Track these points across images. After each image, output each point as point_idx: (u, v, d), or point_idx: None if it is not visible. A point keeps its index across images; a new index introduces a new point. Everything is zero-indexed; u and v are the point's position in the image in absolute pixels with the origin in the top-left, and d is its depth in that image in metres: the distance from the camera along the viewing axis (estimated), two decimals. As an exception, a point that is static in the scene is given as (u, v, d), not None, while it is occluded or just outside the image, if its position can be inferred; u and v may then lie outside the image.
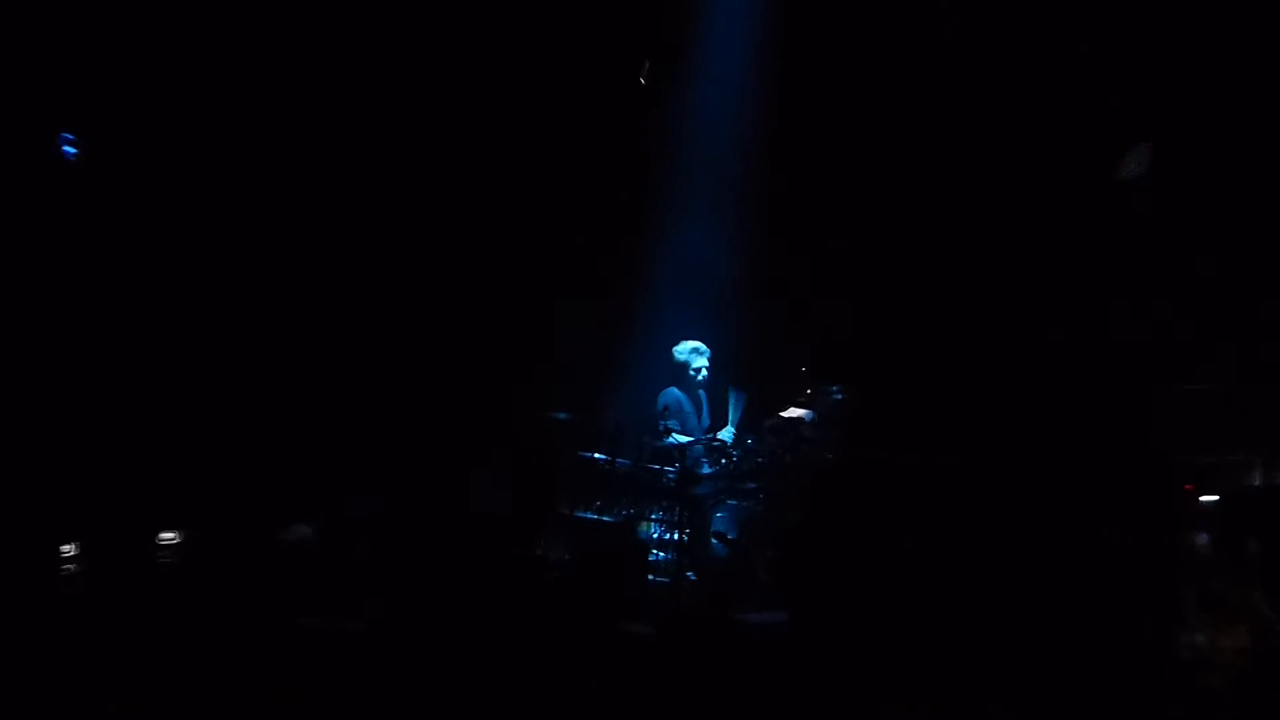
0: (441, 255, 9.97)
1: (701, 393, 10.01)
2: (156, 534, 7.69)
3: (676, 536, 9.07)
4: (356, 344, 9.66)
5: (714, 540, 9.16)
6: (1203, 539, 7.05)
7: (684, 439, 9.42)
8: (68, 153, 7.78)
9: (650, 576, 8.73)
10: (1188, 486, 7.74)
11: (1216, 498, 7.62)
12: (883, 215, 9.70)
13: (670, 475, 9.32)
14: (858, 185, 9.85)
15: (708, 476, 9.33)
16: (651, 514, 9.30)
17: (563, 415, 9.28)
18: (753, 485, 9.29)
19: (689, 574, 9.00)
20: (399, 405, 9.75)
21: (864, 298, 9.74)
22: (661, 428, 9.29)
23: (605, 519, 9.17)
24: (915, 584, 7.38)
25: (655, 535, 9.27)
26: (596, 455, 9.23)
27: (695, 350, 9.77)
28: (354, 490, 8.92)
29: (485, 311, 10.12)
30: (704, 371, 9.79)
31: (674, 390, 9.74)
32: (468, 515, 9.07)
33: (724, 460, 9.33)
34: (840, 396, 9.25)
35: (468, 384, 10.03)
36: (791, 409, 9.33)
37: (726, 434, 9.58)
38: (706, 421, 9.92)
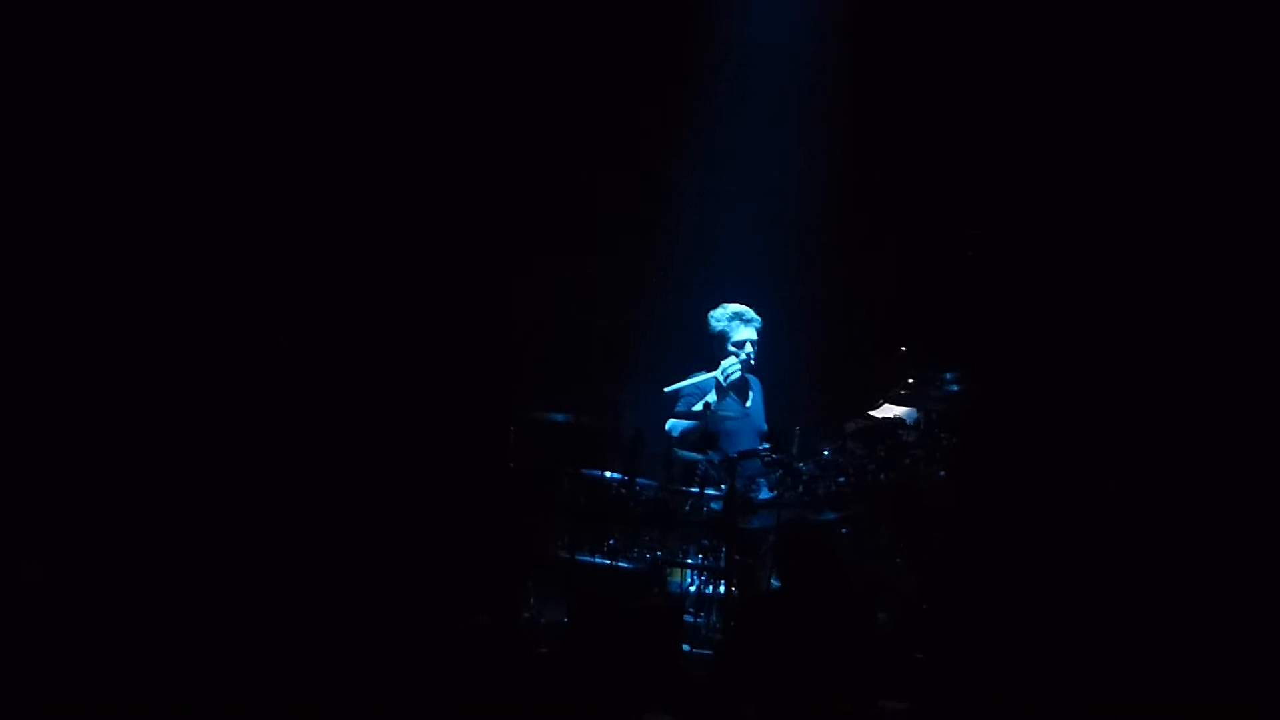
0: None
1: (755, 381, 8.60)
2: None
3: (723, 590, 7.82)
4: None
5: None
6: None
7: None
8: None
9: (686, 647, 7.48)
10: None
11: None
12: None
13: (713, 502, 7.97)
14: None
15: (767, 504, 7.98)
16: (687, 557, 7.99)
17: (560, 417, 8.11)
18: (831, 516, 7.91)
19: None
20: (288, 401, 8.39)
21: (993, 243, 8.34)
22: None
23: (621, 565, 7.94)
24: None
25: (692, 588, 7.99)
26: (608, 474, 8.02)
27: (736, 316, 8.36)
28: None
29: (442, 272, 8.86)
30: (748, 347, 8.37)
31: (705, 378, 8.37)
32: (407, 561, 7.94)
33: (790, 480, 7.93)
34: (958, 388, 7.85)
35: (416, 374, 8.73)
36: (885, 406, 8.03)
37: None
38: (761, 424, 8.51)
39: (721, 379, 8.13)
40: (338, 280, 8.68)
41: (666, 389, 8.24)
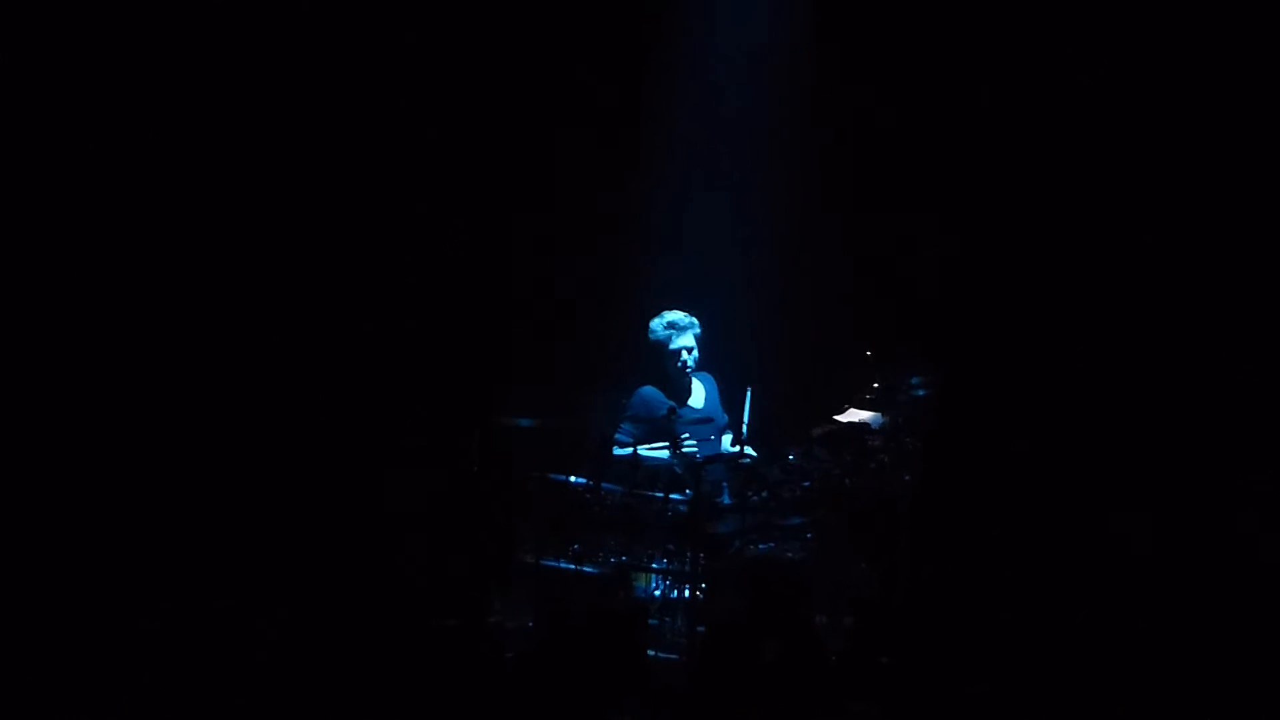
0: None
1: (704, 378, 8.48)
2: None
3: (688, 594, 7.67)
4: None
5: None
6: None
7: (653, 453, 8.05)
8: None
9: (651, 651, 7.37)
10: None
11: None
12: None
13: (678, 506, 7.82)
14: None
15: (731, 509, 7.86)
16: (652, 562, 7.80)
17: (525, 422, 7.88)
18: (797, 521, 7.78)
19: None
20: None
21: (961, 242, 8.25)
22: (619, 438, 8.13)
23: (586, 569, 7.74)
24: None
25: (657, 592, 7.81)
26: (573, 479, 7.83)
27: (671, 325, 8.26)
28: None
29: (409, 277, 8.69)
30: (685, 354, 8.28)
31: (650, 390, 8.31)
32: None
33: (755, 485, 7.82)
34: (924, 391, 7.70)
35: (382, 377, 8.57)
36: (851, 411, 7.81)
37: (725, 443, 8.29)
38: (721, 418, 8.40)
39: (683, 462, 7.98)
40: (308, 283, 8.53)
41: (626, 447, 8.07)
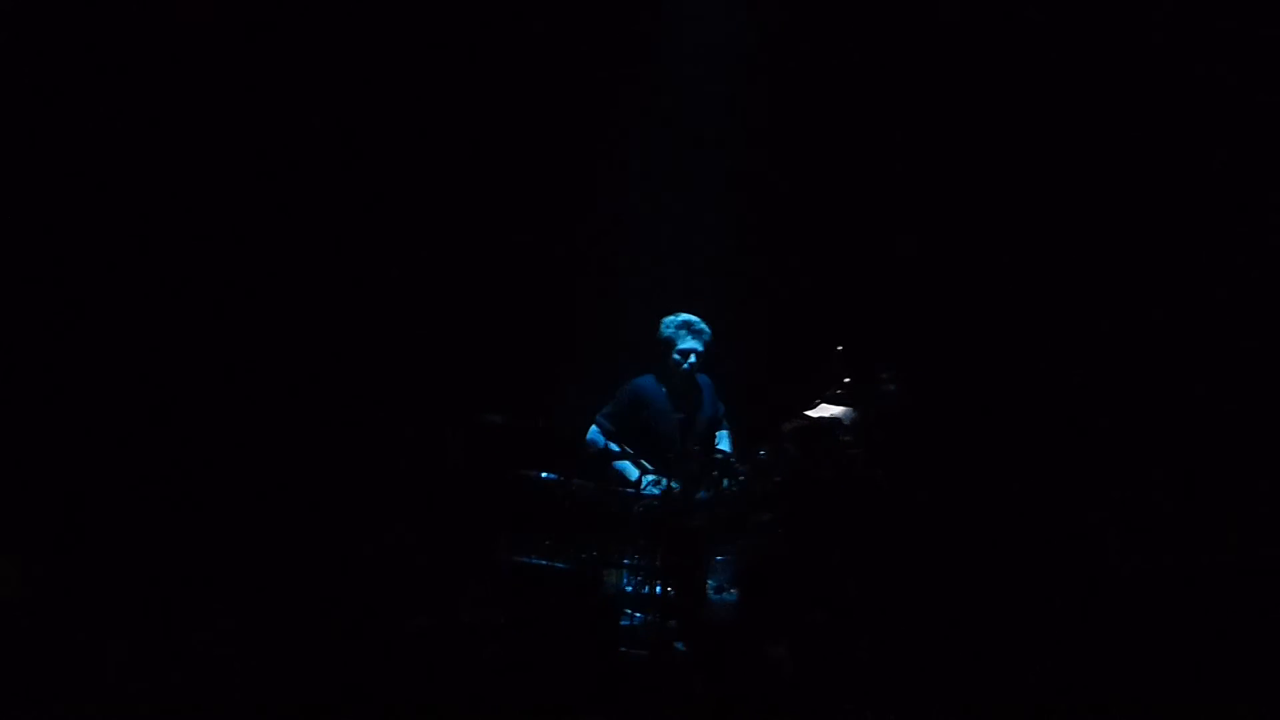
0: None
1: (703, 381, 8.38)
2: None
3: (659, 590, 7.51)
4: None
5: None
6: None
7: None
8: None
9: (622, 648, 7.34)
10: None
11: None
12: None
13: (650, 502, 7.74)
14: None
15: (703, 504, 7.69)
16: (624, 558, 7.68)
17: (499, 419, 7.80)
18: (768, 516, 7.51)
19: (677, 645, 7.44)
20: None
21: (931, 243, 8.26)
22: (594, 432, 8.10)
23: (558, 565, 7.62)
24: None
25: (629, 588, 7.68)
26: (546, 475, 7.73)
27: (685, 326, 8.17)
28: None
29: (387, 274, 8.66)
30: (692, 358, 8.20)
31: (647, 381, 8.20)
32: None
33: (727, 480, 7.66)
34: (894, 387, 7.47)
35: (357, 375, 8.54)
36: (822, 405, 7.57)
37: (723, 440, 8.21)
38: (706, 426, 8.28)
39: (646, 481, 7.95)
40: (293, 286, 8.54)
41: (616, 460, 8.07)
